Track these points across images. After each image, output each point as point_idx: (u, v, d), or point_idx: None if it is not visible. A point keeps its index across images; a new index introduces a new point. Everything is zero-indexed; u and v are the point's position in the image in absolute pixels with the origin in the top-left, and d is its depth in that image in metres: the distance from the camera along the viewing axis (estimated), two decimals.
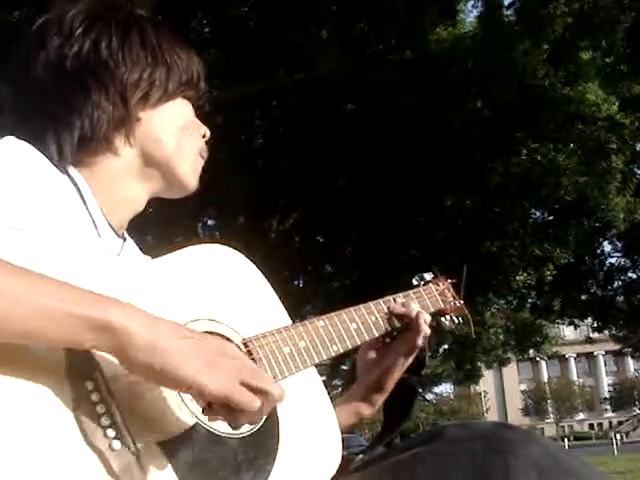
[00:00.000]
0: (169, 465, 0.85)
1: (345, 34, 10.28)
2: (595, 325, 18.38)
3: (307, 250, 13.75)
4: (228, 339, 1.01)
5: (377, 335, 1.29)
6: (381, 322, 1.30)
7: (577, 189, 12.14)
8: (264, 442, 0.97)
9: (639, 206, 13.32)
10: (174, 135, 1.15)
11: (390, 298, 1.36)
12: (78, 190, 1.07)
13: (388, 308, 1.34)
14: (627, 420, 55.64)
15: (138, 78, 1.11)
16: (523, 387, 67.77)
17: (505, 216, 12.87)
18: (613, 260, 17.49)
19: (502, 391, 69.47)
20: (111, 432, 0.81)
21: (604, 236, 16.06)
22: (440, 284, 1.49)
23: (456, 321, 1.48)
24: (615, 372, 68.79)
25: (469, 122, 10.46)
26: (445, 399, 58.11)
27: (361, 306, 1.28)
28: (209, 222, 14.30)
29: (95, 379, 0.83)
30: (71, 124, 1.09)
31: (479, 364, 22.49)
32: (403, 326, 1.34)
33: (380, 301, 1.33)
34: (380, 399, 1.39)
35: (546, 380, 66.16)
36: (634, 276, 17.17)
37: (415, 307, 1.35)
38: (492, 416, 61.86)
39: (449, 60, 10.54)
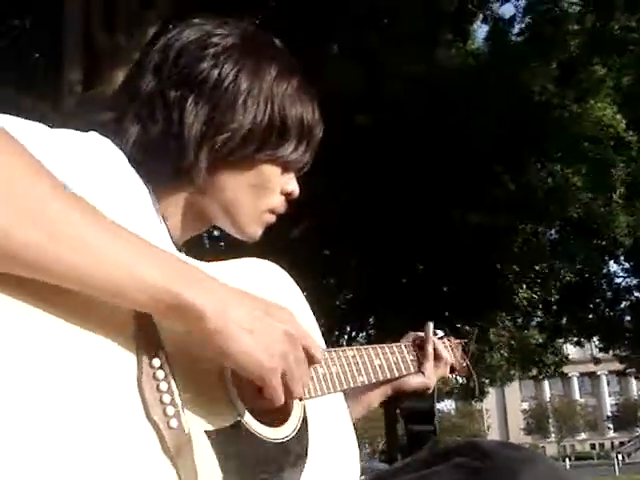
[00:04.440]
0: (214, 454, 0.87)
1: (357, 49, 10.32)
2: (601, 345, 18.30)
3: (312, 263, 13.73)
4: None
5: (397, 375, 1.42)
6: (401, 364, 1.44)
7: (583, 207, 12.12)
8: (295, 451, 1.00)
9: None
10: (240, 190, 1.13)
11: (409, 343, 1.50)
12: (152, 197, 1.07)
13: (414, 349, 1.49)
14: (629, 441, 55.29)
15: (226, 122, 1.06)
16: (525, 405, 67.43)
17: (511, 233, 12.85)
18: (619, 280, 17.45)
19: (504, 409, 69.16)
20: (170, 410, 0.83)
21: (611, 255, 16.01)
22: (450, 343, 1.62)
23: (460, 380, 1.60)
24: (618, 392, 68.44)
25: (477, 139, 10.46)
26: (447, 415, 57.88)
27: (385, 345, 1.41)
28: (214, 233, 14.29)
29: (161, 357, 0.85)
30: (126, 129, 1.07)
31: (484, 380, 22.41)
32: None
33: (402, 345, 1.48)
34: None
35: (548, 399, 65.85)
36: None
37: (444, 354, 1.52)
38: (493, 434, 61.60)
39: (458, 78, 10.56)
